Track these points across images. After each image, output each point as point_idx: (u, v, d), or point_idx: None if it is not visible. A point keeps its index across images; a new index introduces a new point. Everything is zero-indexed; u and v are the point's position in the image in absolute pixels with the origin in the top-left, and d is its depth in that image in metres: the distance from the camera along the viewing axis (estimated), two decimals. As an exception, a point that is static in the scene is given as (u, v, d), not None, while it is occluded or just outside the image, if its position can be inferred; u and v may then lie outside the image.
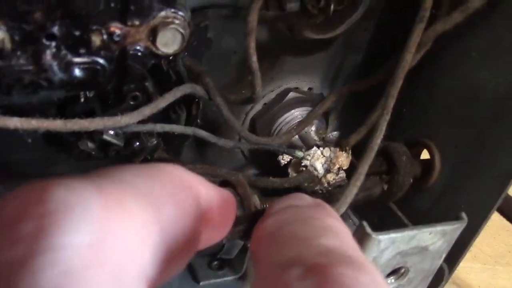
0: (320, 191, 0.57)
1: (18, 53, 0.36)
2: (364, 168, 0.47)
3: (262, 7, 0.47)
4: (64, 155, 0.49)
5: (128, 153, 0.50)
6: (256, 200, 0.51)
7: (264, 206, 0.49)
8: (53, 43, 0.36)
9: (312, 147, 0.57)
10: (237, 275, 0.57)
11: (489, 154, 0.52)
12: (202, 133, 0.50)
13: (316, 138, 0.61)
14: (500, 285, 0.93)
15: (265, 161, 0.66)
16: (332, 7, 0.49)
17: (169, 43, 0.40)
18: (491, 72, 0.51)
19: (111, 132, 0.46)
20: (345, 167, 0.57)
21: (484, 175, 0.53)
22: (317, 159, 0.56)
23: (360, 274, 0.17)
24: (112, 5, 0.37)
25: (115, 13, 0.37)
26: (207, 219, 0.22)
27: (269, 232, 0.21)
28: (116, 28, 0.38)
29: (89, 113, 0.45)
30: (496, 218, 0.60)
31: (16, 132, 0.38)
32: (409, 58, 0.48)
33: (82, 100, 0.43)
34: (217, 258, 0.57)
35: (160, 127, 0.47)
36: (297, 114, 0.62)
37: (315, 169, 0.56)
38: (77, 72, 0.38)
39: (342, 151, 0.56)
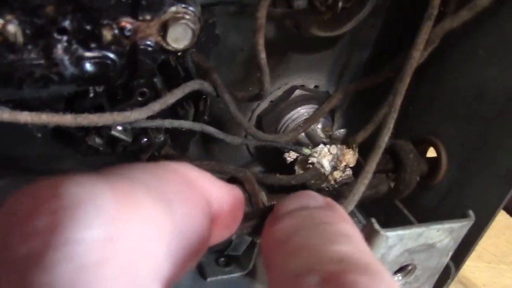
0: (326, 189, 0.57)
1: (30, 47, 0.36)
2: (371, 166, 0.47)
3: (270, 4, 0.47)
4: (71, 150, 0.49)
5: (136, 149, 0.50)
6: (263, 196, 0.51)
7: (272, 202, 0.49)
8: (65, 37, 0.36)
9: (319, 144, 0.57)
10: (244, 272, 0.57)
11: (495, 153, 0.52)
12: (210, 130, 0.50)
13: (322, 135, 0.61)
14: (505, 284, 0.93)
15: (270, 158, 0.66)
16: (340, 4, 0.49)
17: (179, 38, 0.39)
18: (499, 70, 0.51)
19: (119, 128, 0.46)
20: (351, 165, 0.57)
21: (491, 173, 0.52)
22: (324, 157, 0.56)
23: (374, 280, 0.17)
24: (123, -1, 0.37)
25: (126, 7, 0.37)
26: (217, 216, 0.22)
27: (281, 238, 0.21)
28: (127, 23, 0.38)
29: (98, 109, 0.45)
30: (500, 217, 0.60)
31: (24, 127, 0.38)
32: (417, 56, 0.48)
33: (92, 95, 0.43)
34: (224, 255, 0.57)
35: (168, 123, 0.47)
36: (303, 111, 0.62)
37: (322, 166, 0.56)
38: (88, 66, 0.38)
39: (349, 148, 0.56)
